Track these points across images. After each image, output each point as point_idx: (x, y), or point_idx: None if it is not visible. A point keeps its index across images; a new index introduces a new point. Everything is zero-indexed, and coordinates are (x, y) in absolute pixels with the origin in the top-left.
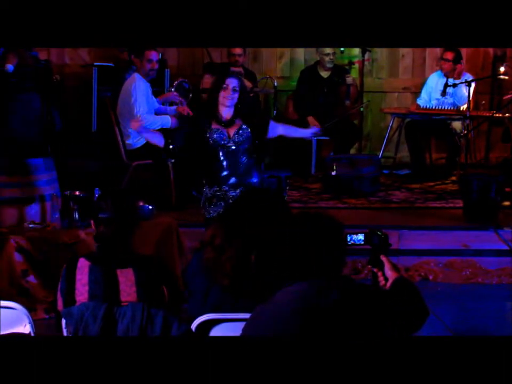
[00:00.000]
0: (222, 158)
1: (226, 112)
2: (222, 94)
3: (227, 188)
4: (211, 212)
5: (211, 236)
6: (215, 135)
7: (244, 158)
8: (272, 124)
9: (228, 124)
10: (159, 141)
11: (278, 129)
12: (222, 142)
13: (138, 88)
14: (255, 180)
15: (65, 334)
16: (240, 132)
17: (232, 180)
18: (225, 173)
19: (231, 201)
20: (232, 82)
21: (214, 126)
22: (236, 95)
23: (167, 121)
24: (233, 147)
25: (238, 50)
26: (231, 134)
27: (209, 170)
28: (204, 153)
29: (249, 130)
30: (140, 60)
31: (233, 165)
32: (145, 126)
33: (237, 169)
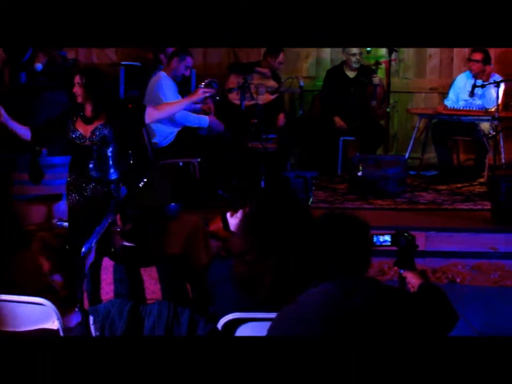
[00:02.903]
0: (81, 154)
1: (87, 109)
2: (74, 90)
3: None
4: (71, 200)
5: (241, 250)
6: (73, 134)
7: (103, 154)
8: (148, 109)
9: (89, 120)
10: (204, 122)
11: (153, 114)
12: (78, 141)
13: (164, 85)
14: (114, 176)
15: (92, 330)
16: (97, 131)
17: (93, 174)
18: (88, 167)
19: (87, 193)
20: (76, 78)
21: (78, 124)
22: (81, 90)
23: (205, 121)
24: (89, 144)
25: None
26: (88, 133)
27: (74, 163)
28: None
29: (108, 127)
30: (179, 62)
31: (91, 160)
32: (180, 122)
33: (98, 165)
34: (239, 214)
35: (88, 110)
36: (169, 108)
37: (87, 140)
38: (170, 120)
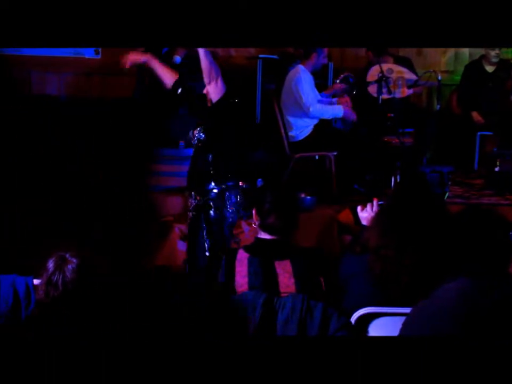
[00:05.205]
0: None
1: None
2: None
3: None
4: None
5: (376, 245)
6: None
7: (199, 161)
8: None
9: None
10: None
11: None
12: (191, 142)
13: (303, 79)
14: (209, 187)
15: None
16: (196, 132)
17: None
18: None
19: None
20: None
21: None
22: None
23: (339, 111)
24: (196, 146)
25: None
26: (195, 133)
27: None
28: None
29: (202, 132)
30: (318, 56)
31: (197, 166)
32: (315, 116)
33: (197, 171)
34: (368, 208)
35: None
36: None
37: (195, 139)
38: (306, 114)
